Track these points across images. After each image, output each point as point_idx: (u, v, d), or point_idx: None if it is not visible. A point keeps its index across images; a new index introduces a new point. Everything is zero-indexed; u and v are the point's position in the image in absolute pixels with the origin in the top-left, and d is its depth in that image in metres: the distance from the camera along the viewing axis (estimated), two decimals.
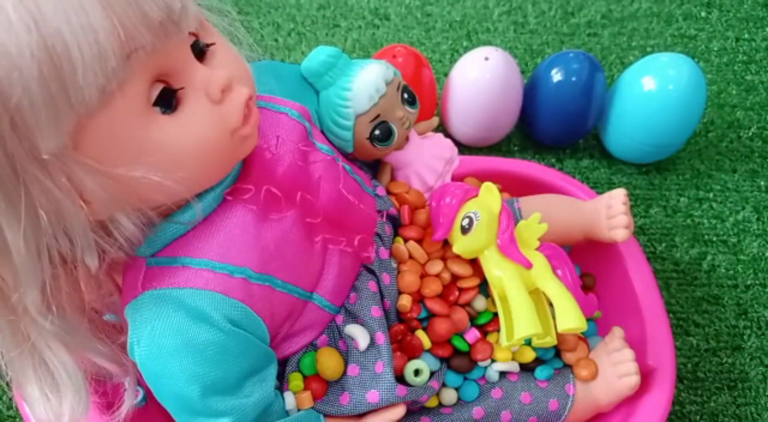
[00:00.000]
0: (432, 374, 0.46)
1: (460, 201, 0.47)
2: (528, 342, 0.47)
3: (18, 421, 0.57)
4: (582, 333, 0.50)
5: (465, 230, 0.45)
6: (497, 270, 0.45)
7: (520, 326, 0.42)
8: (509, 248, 0.45)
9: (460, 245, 0.46)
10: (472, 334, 0.47)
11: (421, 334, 0.46)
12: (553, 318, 0.45)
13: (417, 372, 0.45)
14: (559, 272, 0.46)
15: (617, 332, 0.50)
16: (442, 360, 0.47)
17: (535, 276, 0.45)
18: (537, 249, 0.47)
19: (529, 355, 0.48)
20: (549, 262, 0.46)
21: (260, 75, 0.38)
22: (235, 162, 0.37)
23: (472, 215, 0.45)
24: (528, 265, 0.45)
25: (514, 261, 0.45)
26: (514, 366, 0.48)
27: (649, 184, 0.74)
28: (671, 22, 0.92)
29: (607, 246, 0.55)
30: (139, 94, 0.30)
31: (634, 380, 0.46)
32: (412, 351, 0.45)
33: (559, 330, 0.43)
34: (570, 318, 0.43)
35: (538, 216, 0.47)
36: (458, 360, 0.47)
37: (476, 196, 0.48)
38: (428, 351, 0.46)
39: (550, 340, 0.45)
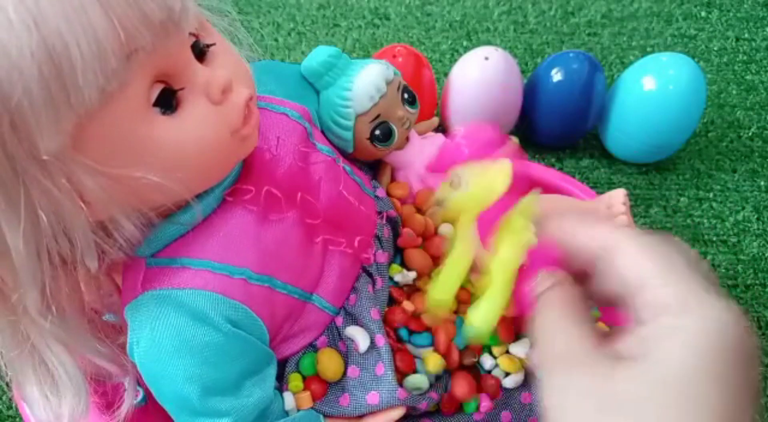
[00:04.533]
0: (432, 385, 0.46)
1: (473, 156, 0.43)
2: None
3: (18, 421, 0.57)
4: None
5: (452, 186, 0.45)
6: (461, 233, 0.44)
7: (435, 290, 0.42)
8: (482, 227, 0.44)
9: (443, 196, 0.45)
10: (485, 403, 0.46)
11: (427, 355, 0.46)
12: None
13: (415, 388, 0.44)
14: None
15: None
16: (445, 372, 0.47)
17: (493, 263, 0.44)
18: (531, 246, 0.46)
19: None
20: (527, 262, 0.45)
21: (260, 75, 0.38)
22: (235, 162, 0.37)
23: (464, 179, 0.44)
24: (486, 246, 0.44)
25: (477, 235, 0.44)
26: (521, 376, 0.48)
27: (649, 184, 0.74)
28: (671, 22, 0.92)
29: None
30: (139, 95, 0.30)
31: None
32: (406, 368, 0.45)
33: (468, 318, 0.43)
34: (476, 316, 0.42)
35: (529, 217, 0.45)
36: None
37: (489, 158, 0.45)
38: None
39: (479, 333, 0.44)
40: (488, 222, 0.43)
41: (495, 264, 0.43)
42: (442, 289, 0.42)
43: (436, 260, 0.49)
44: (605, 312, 0.50)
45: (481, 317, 0.40)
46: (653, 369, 0.24)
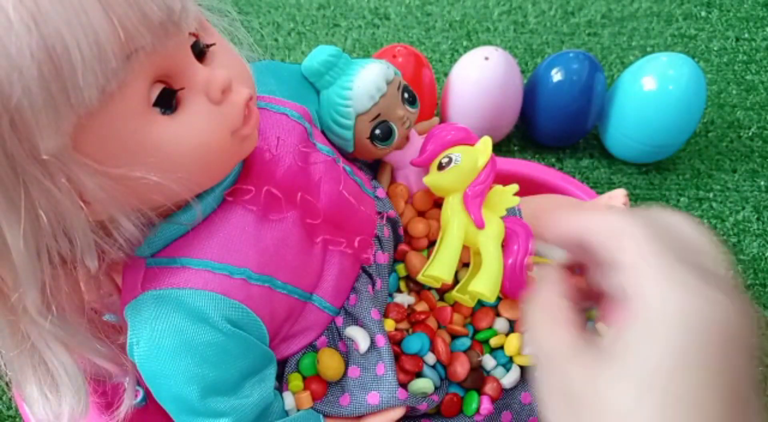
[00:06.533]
0: (436, 388, 0.46)
1: (453, 141, 0.47)
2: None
3: (18, 421, 0.57)
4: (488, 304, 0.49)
5: (441, 167, 0.46)
6: (451, 213, 0.45)
7: (436, 266, 0.43)
8: (472, 201, 0.45)
9: (431, 178, 0.46)
10: (485, 406, 0.46)
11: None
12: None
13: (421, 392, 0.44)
14: (515, 247, 0.46)
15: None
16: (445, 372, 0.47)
17: (482, 237, 0.45)
18: (503, 217, 0.47)
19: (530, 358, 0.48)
20: (505, 233, 0.46)
21: (260, 75, 0.38)
22: (235, 162, 0.37)
23: (454, 157, 0.46)
24: (480, 224, 0.45)
25: (469, 214, 0.45)
26: (516, 373, 0.48)
27: (649, 184, 0.74)
28: (671, 22, 0.92)
29: None
30: (139, 95, 0.30)
31: None
32: (413, 369, 0.45)
33: (469, 289, 0.44)
34: (482, 283, 0.43)
35: (515, 188, 0.47)
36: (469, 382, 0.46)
37: (471, 144, 0.48)
38: (432, 367, 0.46)
39: (468, 300, 0.45)
40: (475, 198, 0.44)
41: (484, 237, 0.45)
42: (441, 267, 0.43)
43: None
44: (606, 311, 0.50)
45: (486, 285, 0.42)
46: (630, 367, 0.23)
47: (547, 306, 0.29)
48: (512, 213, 0.51)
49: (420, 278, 0.44)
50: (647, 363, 0.23)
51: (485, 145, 0.47)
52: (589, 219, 0.28)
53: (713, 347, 0.22)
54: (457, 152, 0.46)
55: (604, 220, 0.27)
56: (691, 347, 0.22)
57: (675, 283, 0.24)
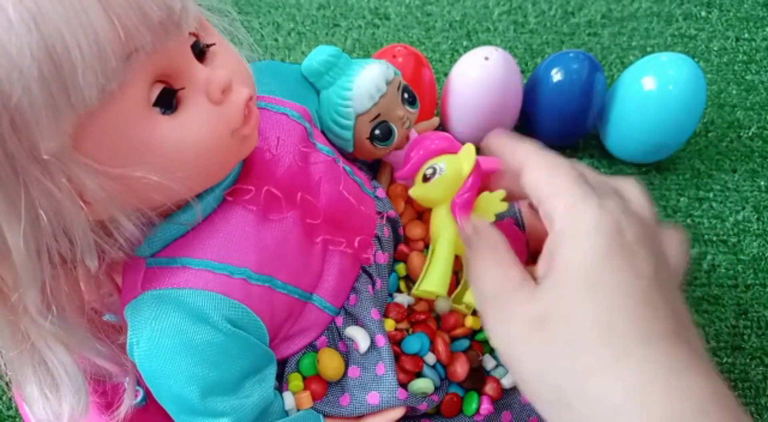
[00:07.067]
0: (436, 388, 0.46)
1: (436, 151, 0.46)
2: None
3: (18, 421, 0.57)
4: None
5: (426, 179, 0.46)
6: (441, 224, 0.45)
7: (429, 281, 0.43)
8: (460, 209, 0.45)
9: (417, 191, 0.46)
10: (485, 406, 0.46)
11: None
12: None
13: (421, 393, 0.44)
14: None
15: None
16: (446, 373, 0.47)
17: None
18: (495, 223, 0.46)
19: None
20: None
21: (260, 75, 0.38)
22: (235, 162, 0.37)
23: (437, 167, 0.45)
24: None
25: (458, 223, 0.45)
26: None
27: (649, 183, 0.74)
28: (671, 22, 0.92)
29: None
30: (139, 95, 0.30)
31: None
32: (413, 369, 0.45)
33: (464, 299, 0.44)
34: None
35: (502, 194, 0.46)
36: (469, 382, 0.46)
37: (454, 152, 0.47)
38: (432, 367, 0.46)
39: (464, 309, 0.45)
40: (463, 206, 0.44)
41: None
42: (434, 282, 0.43)
43: None
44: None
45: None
46: (557, 278, 0.27)
47: (490, 249, 0.32)
48: (511, 215, 0.51)
49: (414, 293, 0.44)
50: (581, 266, 0.26)
51: (468, 152, 0.45)
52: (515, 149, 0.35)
53: (614, 242, 0.26)
54: (441, 162, 0.45)
55: (540, 158, 0.33)
56: (611, 246, 0.26)
57: (576, 197, 0.29)
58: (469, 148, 0.46)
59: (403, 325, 0.47)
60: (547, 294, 0.27)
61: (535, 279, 0.29)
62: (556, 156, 0.33)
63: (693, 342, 0.26)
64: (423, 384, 0.44)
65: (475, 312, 0.47)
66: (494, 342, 0.29)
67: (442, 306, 0.48)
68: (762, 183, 0.74)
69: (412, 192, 0.46)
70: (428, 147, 0.46)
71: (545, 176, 0.31)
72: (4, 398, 0.58)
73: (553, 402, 0.26)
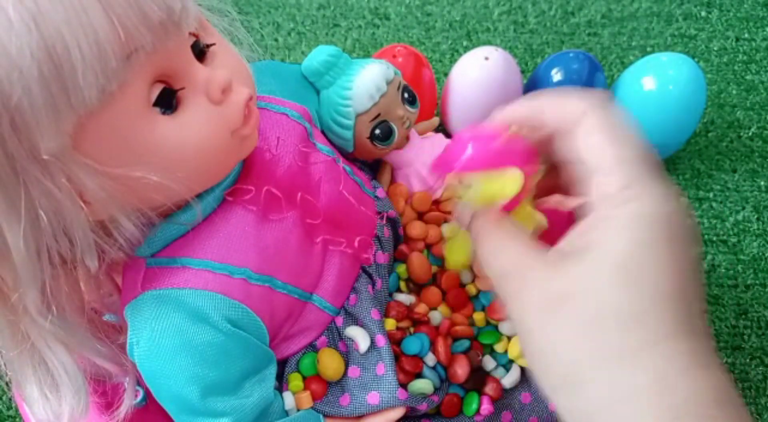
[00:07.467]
0: (435, 389, 0.46)
1: (489, 162, 0.34)
2: None
3: (18, 421, 0.57)
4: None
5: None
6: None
7: (453, 253, 0.41)
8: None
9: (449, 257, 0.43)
10: (485, 406, 0.46)
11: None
12: None
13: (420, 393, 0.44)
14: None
15: None
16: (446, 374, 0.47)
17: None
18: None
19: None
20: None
21: (260, 75, 0.38)
22: (235, 162, 0.37)
23: (473, 183, 0.38)
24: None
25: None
26: (517, 373, 0.48)
27: None
28: (671, 22, 0.92)
29: None
30: (139, 95, 0.30)
31: None
32: (413, 370, 0.45)
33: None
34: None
35: (531, 201, 0.42)
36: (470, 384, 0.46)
37: (501, 168, 0.39)
38: (432, 368, 0.46)
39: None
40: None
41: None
42: (459, 252, 0.42)
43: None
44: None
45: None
46: (593, 259, 0.25)
47: (495, 228, 0.30)
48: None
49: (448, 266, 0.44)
50: (621, 253, 0.25)
51: (514, 181, 0.34)
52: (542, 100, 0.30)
53: (663, 234, 0.25)
54: (477, 185, 0.34)
55: (558, 101, 0.29)
56: (659, 239, 0.25)
57: (634, 178, 0.26)
58: (514, 175, 0.34)
59: (404, 324, 0.47)
60: (575, 270, 0.25)
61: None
62: (623, 120, 0.28)
63: (709, 338, 0.26)
64: (422, 385, 0.44)
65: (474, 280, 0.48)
66: (509, 312, 0.28)
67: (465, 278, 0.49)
68: (762, 183, 0.74)
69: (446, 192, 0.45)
70: (485, 152, 0.34)
71: (610, 145, 0.27)
72: (4, 398, 0.58)
73: (564, 377, 0.25)
